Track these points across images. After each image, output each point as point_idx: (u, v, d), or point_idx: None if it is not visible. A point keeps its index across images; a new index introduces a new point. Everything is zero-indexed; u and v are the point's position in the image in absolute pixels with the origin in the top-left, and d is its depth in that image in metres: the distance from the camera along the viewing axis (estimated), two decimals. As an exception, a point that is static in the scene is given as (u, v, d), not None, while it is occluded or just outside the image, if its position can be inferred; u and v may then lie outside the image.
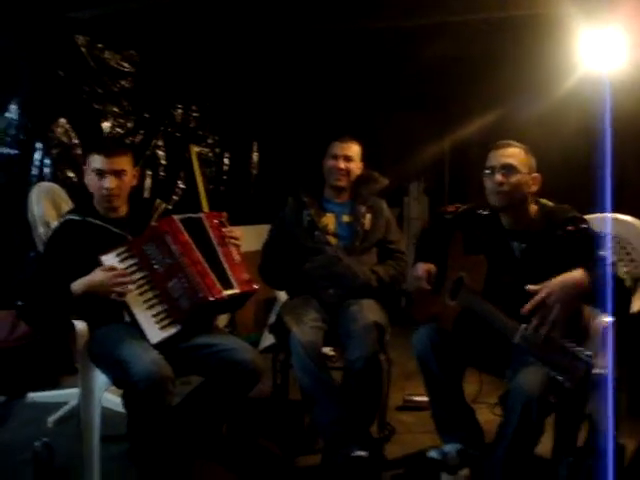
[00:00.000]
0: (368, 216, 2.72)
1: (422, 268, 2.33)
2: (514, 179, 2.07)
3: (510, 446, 1.98)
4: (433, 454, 2.31)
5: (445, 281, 2.32)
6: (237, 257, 2.30)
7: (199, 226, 2.29)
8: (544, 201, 2.17)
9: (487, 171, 2.12)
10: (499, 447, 2.03)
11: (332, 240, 2.67)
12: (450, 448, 2.29)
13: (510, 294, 2.03)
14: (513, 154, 2.10)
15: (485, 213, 2.23)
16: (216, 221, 2.33)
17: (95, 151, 2.26)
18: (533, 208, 2.14)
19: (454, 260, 2.33)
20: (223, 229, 2.32)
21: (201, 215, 2.35)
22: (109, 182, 2.22)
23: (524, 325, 1.86)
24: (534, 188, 2.12)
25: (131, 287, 2.13)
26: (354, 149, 2.73)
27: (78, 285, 2.10)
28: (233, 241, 2.32)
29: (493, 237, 2.19)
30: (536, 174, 2.13)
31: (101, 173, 2.23)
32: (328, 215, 2.73)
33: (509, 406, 1.97)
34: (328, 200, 2.78)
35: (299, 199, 2.75)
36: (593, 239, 2.02)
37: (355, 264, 2.60)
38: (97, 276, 2.11)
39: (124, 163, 2.27)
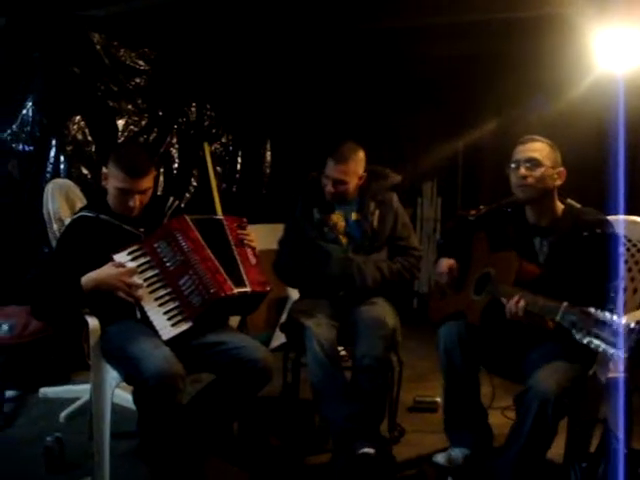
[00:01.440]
0: (377, 213, 2.67)
1: (444, 264, 2.36)
2: (538, 172, 2.10)
3: (524, 446, 1.98)
4: (439, 459, 2.30)
5: (467, 279, 2.32)
6: (253, 259, 2.32)
7: (218, 227, 2.31)
8: (571, 202, 2.18)
9: (512, 165, 2.16)
10: (512, 447, 2.02)
11: (342, 240, 2.66)
12: (457, 452, 2.28)
13: (532, 288, 2.03)
14: (537, 148, 2.13)
15: (510, 209, 2.26)
16: (235, 224, 2.36)
17: (121, 168, 2.18)
18: (559, 207, 2.16)
19: (478, 260, 2.33)
20: (241, 232, 2.35)
21: (222, 217, 2.39)
22: (133, 202, 2.21)
23: (565, 303, 1.83)
24: (559, 182, 2.14)
25: (141, 290, 2.13)
26: (349, 169, 2.59)
27: (87, 279, 2.11)
28: (250, 243, 2.34)
29: (518, 232, 2.21)
30: (561, 168, 2.14)
31: (126, 193, 2.21)
32: (337, 213, 2.69)
33: (525, 405, 1.97)
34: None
35: (309, 197, 2.73)
36: (618, 244, 2.05)
37: (366, 265, 2.58)
38: (105, 271, 2.12)
39: (149, 181, 2.25)
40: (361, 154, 2.64)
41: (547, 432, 1.96)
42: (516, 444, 2.00)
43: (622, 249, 2.28)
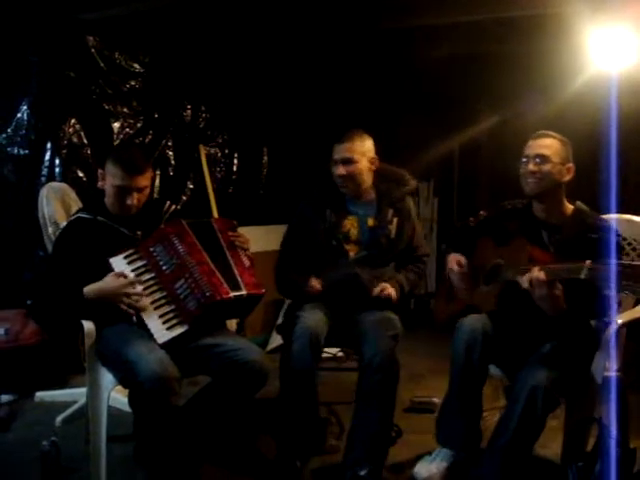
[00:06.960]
0: (395, 221, 2.55)
1: (452, 258, 2.39)
2: (545, 168, 2.16)
3: (512, 437, 2.00)
4: (422, 472, 2.28)
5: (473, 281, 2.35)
6: (246, 261, 2.32)
7: (209, 230, 2.31)
8: (580, 204, 2.22)
9: (523, 159, 2.22)
10: (500, 437, 2.04)
11: (351, 252, 2.53)
12: (442, 457, 2.28)
13: None
14: (547, 144, 2.19)
15: (519, 206, 2.32)
16: (226, 226, 2.35)
17: (119, 166, 2.18)
18: (568, 207, 2.21)
19: (484, 260, 2.34)
20: (232, 234, 2.34)
21: (211, 220, 2.38)
22: (131, 200, 2.21)
23: (588, 261, 1.86)
24: (567, 177, 2.19)
25: (143, 299, 2.13)
26: (355, 147, 2.49)
27: (90, 289, 2.11)
28: (242, 244, 2.33)
29: (525, 226, 2.25)
30: (570, 164, 2.19)
31: (124, 191, 2.21)
32: (350, 218, 2.56)
33: (514, 395, 2.01)
34: (352, 200, 2.59)
35: (323, 193, 2.58)
36: (619, 251, 2.10)
37: (373, 280, 2.49)
38: (108, 283, 2.12)
39: (147, 179, 2.25)
40: (367, 137, 2.55)
41: (535, 423, 1.99)
42: (504, 435, 2.03)
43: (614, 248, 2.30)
